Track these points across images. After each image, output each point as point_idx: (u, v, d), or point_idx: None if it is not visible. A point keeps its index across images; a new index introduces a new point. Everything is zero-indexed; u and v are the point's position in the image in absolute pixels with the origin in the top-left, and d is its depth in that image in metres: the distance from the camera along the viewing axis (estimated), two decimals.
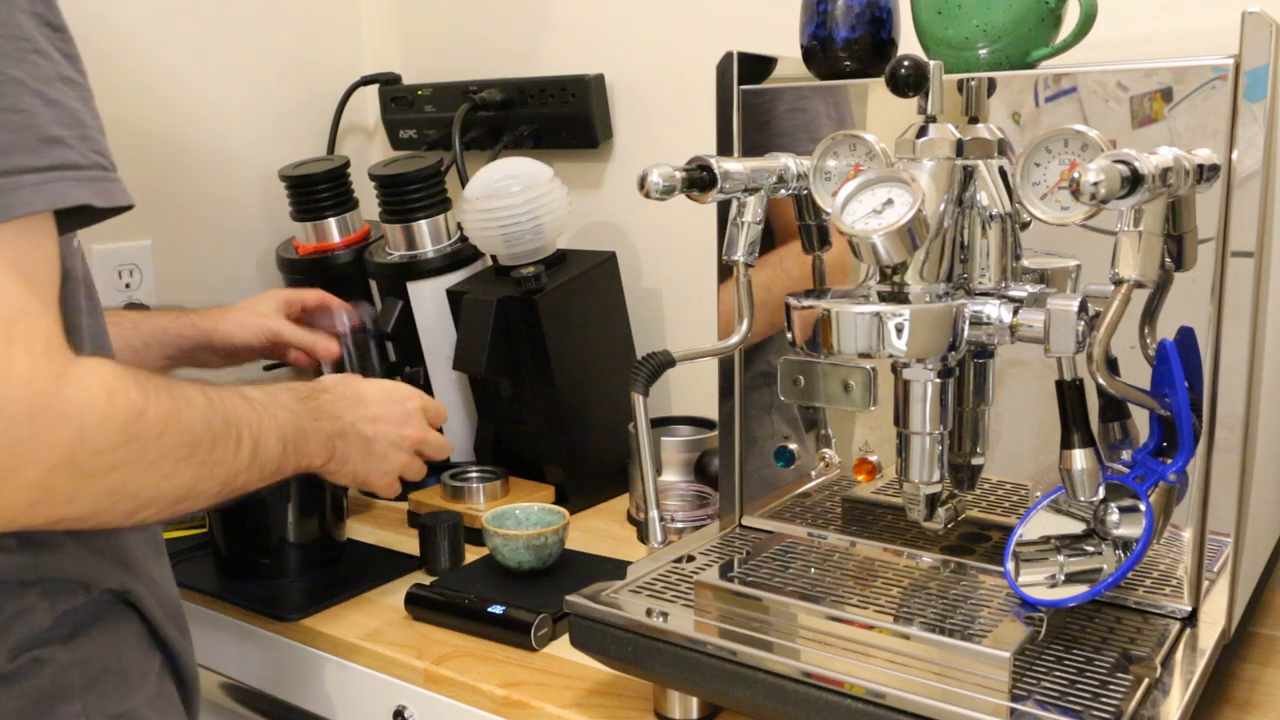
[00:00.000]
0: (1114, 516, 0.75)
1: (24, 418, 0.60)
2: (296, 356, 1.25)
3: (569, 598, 0.86)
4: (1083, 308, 0.68)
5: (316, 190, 1.44)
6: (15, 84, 0.62)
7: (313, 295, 1.30)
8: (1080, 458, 0.72)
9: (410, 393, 1.01)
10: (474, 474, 1.26)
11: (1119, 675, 0.72)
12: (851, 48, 0.89)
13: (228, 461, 0.74)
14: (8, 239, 0.61)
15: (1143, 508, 0.74)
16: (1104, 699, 0.69)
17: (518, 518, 1.11)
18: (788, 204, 0.90)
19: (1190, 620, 0.79)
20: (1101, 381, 0.69)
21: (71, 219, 0.65)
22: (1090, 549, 0.76)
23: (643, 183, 0.76)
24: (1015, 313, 0.71)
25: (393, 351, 1.44)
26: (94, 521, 0.67)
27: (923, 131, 0.73)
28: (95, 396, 0.63)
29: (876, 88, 0.87)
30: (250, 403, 0.78)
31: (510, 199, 1.26)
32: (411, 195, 1.36)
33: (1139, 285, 0.67)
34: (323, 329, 1.28)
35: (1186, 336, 0.76)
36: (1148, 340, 0.77)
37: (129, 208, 0.68)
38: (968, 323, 0.71)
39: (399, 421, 0.97)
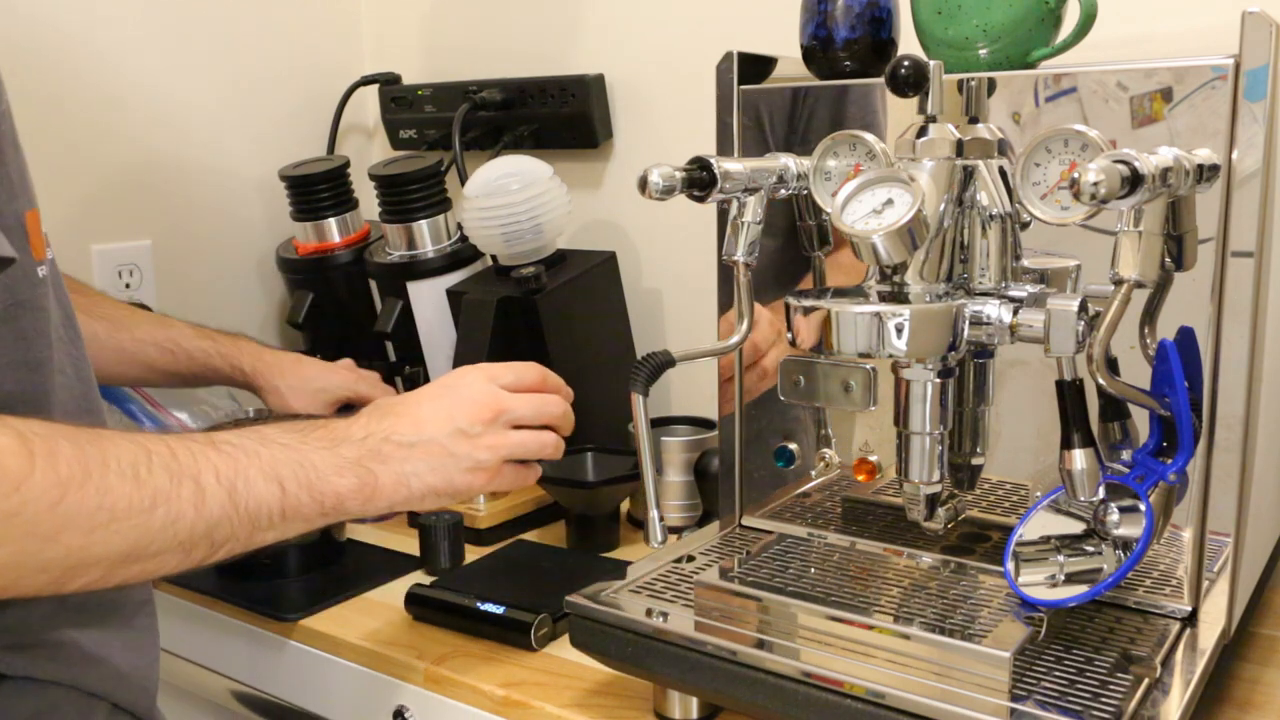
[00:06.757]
0: (1114, 516, 0.75)
1: None
2: None
3: (569, 598, 0.86)
4: (1083, 308, 0.68)
5: (316, 190, 1.45)
6: None
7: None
8: (1080, 458, 0.72)
9: (471, 369, 0.86)
10: None
11: (1119, 675, 0.72)
12: (851, 48, 0.89)
13: (187, 516, 0.66)
14: None
15: (1143, 508, 0.74)
16: (1104, 699, 0.69)
17: None
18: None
19: (1190, 620, 0.79)
20: (1101, 381, 0.69)
21: None
22: (1090, 549, 0.76)
23: (643, 183, 0.76)
24: (1015, 313, 0.71)
25: (393, 352, 1.43)
26: (13, 591, 0.62)
27: (923, 131, 0.73)
28: None
29: (877, 88, 0.87)
30: (220, 447, 0.70)
31: (510, 197, 1.26)
32: (411, 195, 1.36)
33: (1139, 285, 0.67)
34: None
35: (1186, 336, 0.76)
36: (1148, 340, 0.77)
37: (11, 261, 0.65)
38: (968, 323, 0.71)
39: (459, 408, 0.81)
